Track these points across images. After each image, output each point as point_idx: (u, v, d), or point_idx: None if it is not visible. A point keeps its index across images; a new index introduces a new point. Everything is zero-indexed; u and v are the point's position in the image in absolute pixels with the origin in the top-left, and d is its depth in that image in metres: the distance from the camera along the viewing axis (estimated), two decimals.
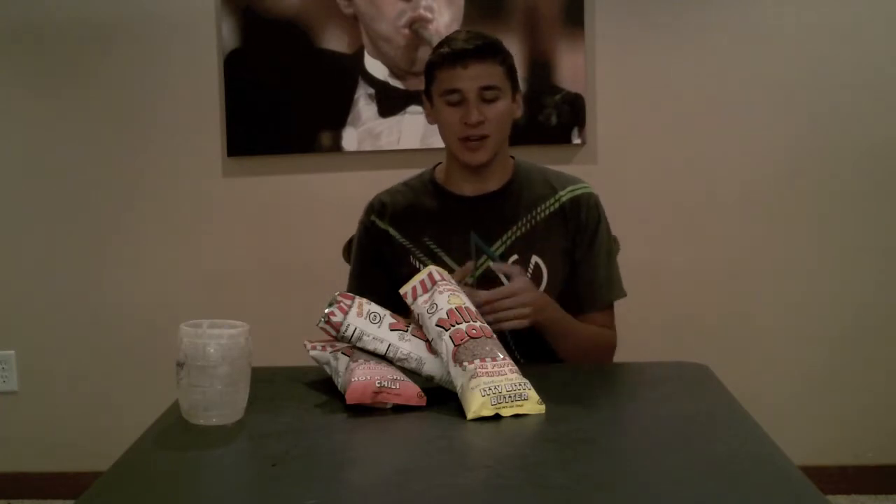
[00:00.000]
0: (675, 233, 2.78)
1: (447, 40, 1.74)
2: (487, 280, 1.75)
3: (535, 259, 1.75)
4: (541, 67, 2.70)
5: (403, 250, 1.81)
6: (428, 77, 1.77)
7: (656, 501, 1.05)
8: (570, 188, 1.81)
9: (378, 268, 1.83)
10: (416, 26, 2.71)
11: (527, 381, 1.37)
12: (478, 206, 1.80)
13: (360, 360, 1.41)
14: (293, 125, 2.80)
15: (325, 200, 2.81)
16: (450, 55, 1.69)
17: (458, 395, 1.37)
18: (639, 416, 1.43)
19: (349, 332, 1.43)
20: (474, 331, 1.41)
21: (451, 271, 1.65)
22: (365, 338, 1.43)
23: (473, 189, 1.80)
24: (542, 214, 1.79)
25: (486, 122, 1.70)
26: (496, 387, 1.33)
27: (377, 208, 1.85)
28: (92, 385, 2.93)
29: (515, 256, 1.76)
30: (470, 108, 1.69)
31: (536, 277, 1.75)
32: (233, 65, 2.79)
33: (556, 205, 1.79)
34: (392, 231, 1.82)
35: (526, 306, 1.62)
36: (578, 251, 1.78)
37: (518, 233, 1.77)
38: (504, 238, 1.77)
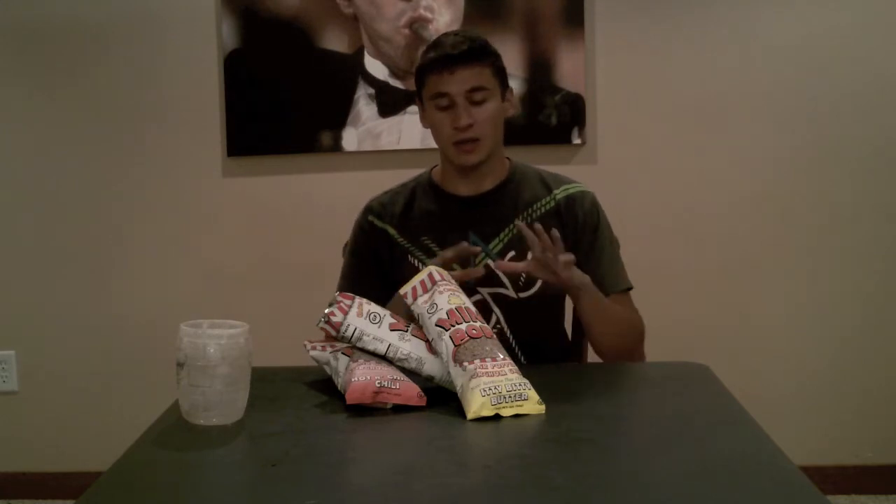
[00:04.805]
0: (675, 233, 2.78)
1: (435, 44, 1.75)
2: (486, 277, 1.76)
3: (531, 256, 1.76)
4: (541, 67, 2.70)
5: (402, 250, 1.81)
6: (418, 81, 1.78)
7: (656, 501, 1.05)
8: (564, 187, 1.83)
9: (374, 269, 1.83)
10: (416, 26, 2.71)
11: (527, 381, 1.37)
12: (475, 206, 1.81)
13: (360, 360, 1.41)
14: (293, 125, 2.80)
15: (326, 200, 2.81)
16: (436, 61, 1.71)
17: (458, 395, 1.37)
18: (639, 416, 1.43)
19: (349, 332, 1.43)
20: (474, 331, 1.41)
21: (449, 270, 1.67)
22: (365, 338, 1.43)
23: (469, 189, 1.82)
24: (538, 213, 1.80)
25: (476, 125, 1.71)
26: (496, 387, 1.33)
27: (376, 209, 1.87)
28: (92, 385, 2.93)
29: (513, 253, 1.77)
30: (459, 112, 1.70)
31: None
32: (233, 65, 2.79)
33: (552, 203, 1.81)
34: (391, 230, 1.83)
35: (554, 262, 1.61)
36: (581, 250, 1.78)
37: (514, 230, 1.78)
38: (501, 236, 1.79)
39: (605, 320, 1.74)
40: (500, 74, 1.76)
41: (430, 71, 1.72)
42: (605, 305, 1.74)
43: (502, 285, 1.77)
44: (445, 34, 1.80)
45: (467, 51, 1.70)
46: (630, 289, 1.83)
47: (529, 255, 1.65)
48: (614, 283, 1.80)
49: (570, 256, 1.63)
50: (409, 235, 1.82)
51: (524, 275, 1.75)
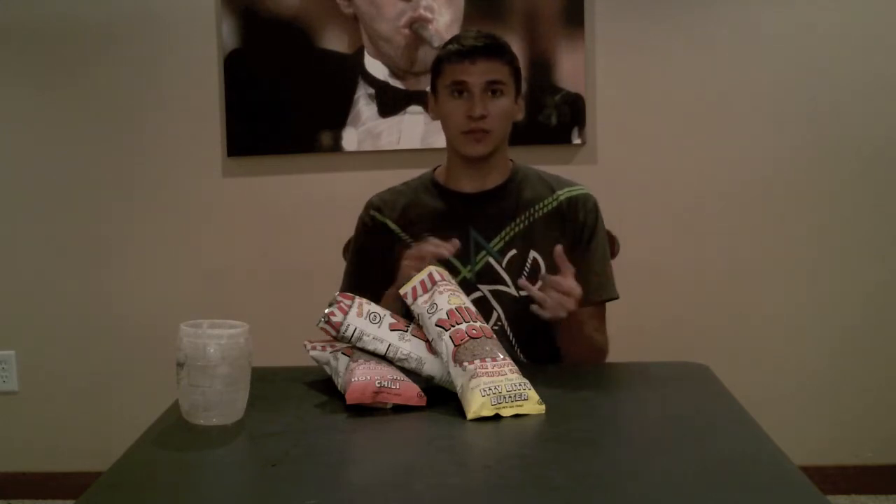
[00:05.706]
0: (675, 233, 2.78)
1: (458, 37, 1.79)
2: (485, 275, 1.77)
3: (532, 254, 1.78)
4: (541, 67, 2.70)
5: (404, 246, 1.81)
6: (435, 71, 1.81)
7: (656, 501, 1.05)
8: (567, 189, 1.85)
9: (376, 265, 1.83)
10: (416, 26, 2.71)
11: (527, 381, 1.37)
12: (477, 203, 1.82)
13: (360, 360, 1.41)
14: (293, 125, 2.80)
15: (326, 200, 2.80)
16: (459, 51, 1.74)
17: (458, 395, 1.37)
18: (639, 416, 1.43)
19: (349, 332, 1.43)
20: (474, 331, 1.41)
21: (450, 267, 1.67)
22: (365, 338, 1.43)
23: (473, 186, 1.83)
24: (541, 212, 1.81)
25: (489, 117, 1.74)
26: (496, 387, 1.33)
27: (377, 204, 1.89)
28: (92, 385, 2.93)
29: (514, 251, 1.78)
30: (475, 101, 1.73)
31: (534, 272, 1.77)
32: (233, 65, 2.79)
33: (554, 203, 1.82)
34: (392, 225, 1.84)
35: (567, 306, 1.59)
36: (577, 249, 1.79)
37: (516, 229, 1.79)
38: (503, 234, 1.79)
39: (579, 346, 1.76)
40: (516, 76, 1.80)
41: (450, 60, 1.75)
42: (584, 335, 1.75)
43: (503, 283, 1.77)
44: (467, 30, 1.85)
45: (490, 45, 1.75)
46: (612, 299, 1.84)
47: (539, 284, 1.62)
48: (598, 291, 1.81)
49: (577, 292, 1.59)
50: (410, 231, 1.83)
51: (525, 273, 1.76)
